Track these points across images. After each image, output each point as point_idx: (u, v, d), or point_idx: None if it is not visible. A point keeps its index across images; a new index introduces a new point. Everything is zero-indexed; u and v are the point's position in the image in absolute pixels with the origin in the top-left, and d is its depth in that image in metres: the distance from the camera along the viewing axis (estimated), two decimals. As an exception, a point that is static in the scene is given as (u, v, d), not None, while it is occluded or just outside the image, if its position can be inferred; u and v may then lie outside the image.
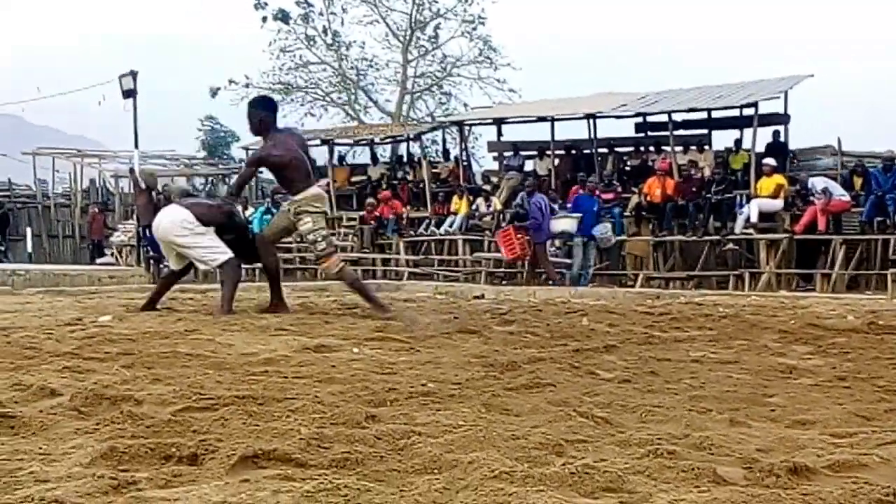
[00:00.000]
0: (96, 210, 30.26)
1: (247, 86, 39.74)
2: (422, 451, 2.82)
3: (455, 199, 23.58)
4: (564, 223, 19.23)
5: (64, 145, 38.25)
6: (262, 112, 8.63)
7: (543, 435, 3.09)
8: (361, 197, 26.09)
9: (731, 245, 18.93)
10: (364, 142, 29.79)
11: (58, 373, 4.40)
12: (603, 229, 18.65)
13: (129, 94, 20.56)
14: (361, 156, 31.13)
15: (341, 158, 29.86)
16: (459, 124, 27.21)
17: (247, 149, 31.92)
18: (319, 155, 29.37)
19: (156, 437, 2.98)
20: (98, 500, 2.23)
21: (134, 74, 20.89)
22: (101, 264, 24.70)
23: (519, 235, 18.93)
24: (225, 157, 45.00)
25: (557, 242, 20.67)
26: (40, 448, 2.86)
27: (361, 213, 24.59)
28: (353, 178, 28.22)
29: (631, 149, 24.26)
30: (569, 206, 20.11)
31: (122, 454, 2.72)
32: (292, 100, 40.29)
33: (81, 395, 3.68)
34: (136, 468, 2.61)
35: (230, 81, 40.17)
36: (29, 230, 26.76)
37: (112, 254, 27.04)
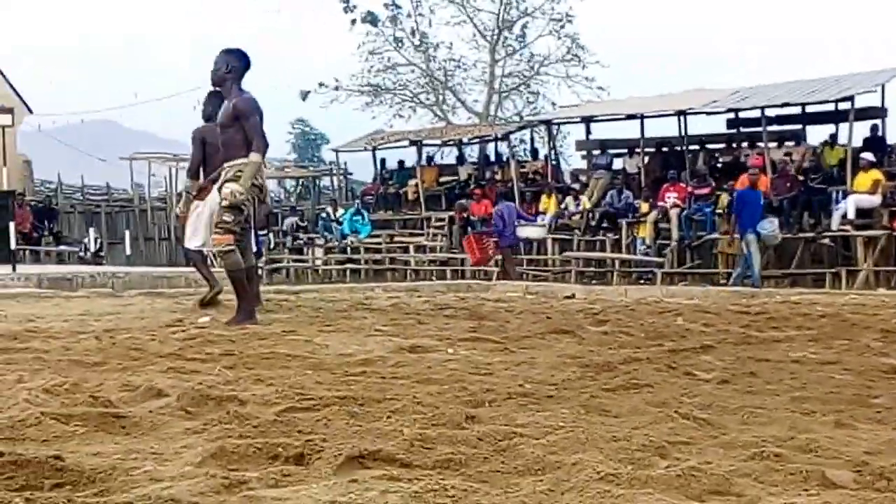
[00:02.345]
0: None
1: (336, 88, 40.16)
2: (524, 453, 2.83)
3: (543, 198, 23.51)
4: (530, 231, 21.90)
5: (159, 149, 39.10)
6: (237, 62, 7.77)
7: (645, 436, 3.08)
8: (450, 197, 26.17)
9: (826, 241, 18.53)
10: (452, 142, 29.88)
11: (163, 373, 4.51)
12: (769, 226, 17.67)
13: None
14: (449, 156, 31.25)
15: (430, 159, 29.99)
16: (547, 123, 27.13)
17: (337, 150, 32.35)
18: (408, 155, 29.61)
19: (262, 437, 3.04)
20: (212, 500, 2.28)
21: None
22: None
23: (484, 241, 21.02)
24: (315, 159, 45.58)
25: (648, 241, 20.58)
26: (152, 448, 2.94)
27: (450, 213, 24.67)
28: (442, 179, 28.32)
29: (723, 145, 23.92)
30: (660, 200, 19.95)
31: (232, 454, 2.78)
32: (381, 101, 40.60)
33: (188, 396, 3.77)
34: (245, 468, 2.66)
35: (320, 84, 40.65)
36: (127, 233, 27.40)
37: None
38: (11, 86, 30.92)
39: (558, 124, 28.18)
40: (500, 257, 21.19)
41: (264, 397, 3.87)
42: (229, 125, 7.70)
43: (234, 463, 2.71)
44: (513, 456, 2.83)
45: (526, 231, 21.62)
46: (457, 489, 2.37)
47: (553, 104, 37.97)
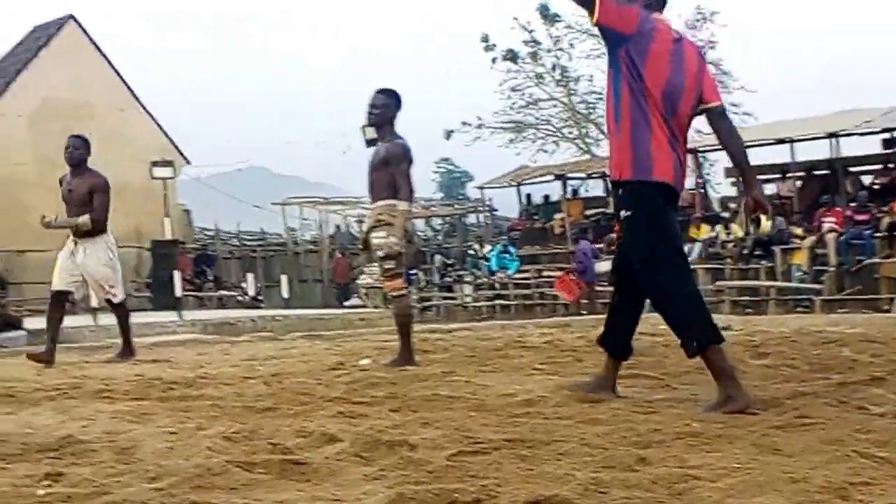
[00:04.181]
0: (340, 255, 31.60)
1: (479, 126, 40.53)
2: (702, 496, 2.81)
3: (692, 227, 23.19)
4: (607, 265, 21.99)
5: (308, 193, 40.08)
6: (392, 103, 7.88)
7: (824, 478, 3.01)
8: (597, 230, 26.06)
9: None
10: (597, 175, 29.78)
11: (333, 418, 4.63)
12: None
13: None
14: (595, 189, 31.15)
15: (574, 192, 29.96)
16: (693, 151, 26.75)
17: (482, 187, 32.59)
18: (553, 190, 29.64)
19: (437, 482, 3.10)
20: (398, 547, 2.34)
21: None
22: (349, 307, 25.71)
23: (572, 278, 22.29)
24: (461, 196, 46.00)
25: (804, 267, 20.08)
26: (333, 494, 3.02)
27: (600, 246, 24.56)
28: (588, 211, 28.25)
29: (878, 167, 23.16)
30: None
31: (410, 500, 2.85)
32: (524, 137, 40.75)
33: (360, 441, 3.86)
34: (425, 514, 2.72)
35: (463, 123, 41.08)
36: (283, 277, 28.19)
37: (359, 296, 28.08)
38: (170, 139, 32.25)
39: (705, 152, 27.75)
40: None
41: (433, 441, 3.92)
42: (379, 168, 7.85)
43: (414, 509, 2.77)
44: (690, 499, 2.81)
45: (604, 266, 22.66)
46: (638, 535, 2.37)
47: (698, 132, 37.36)
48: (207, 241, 34.38)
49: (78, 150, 9.24)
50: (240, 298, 29.43)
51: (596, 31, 5.14)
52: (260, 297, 29.47)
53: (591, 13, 4.83)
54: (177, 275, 18.80)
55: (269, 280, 31.81)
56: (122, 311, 9.50)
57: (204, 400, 5.58)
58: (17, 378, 7.48)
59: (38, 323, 14.64)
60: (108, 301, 9.45)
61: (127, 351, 9.28)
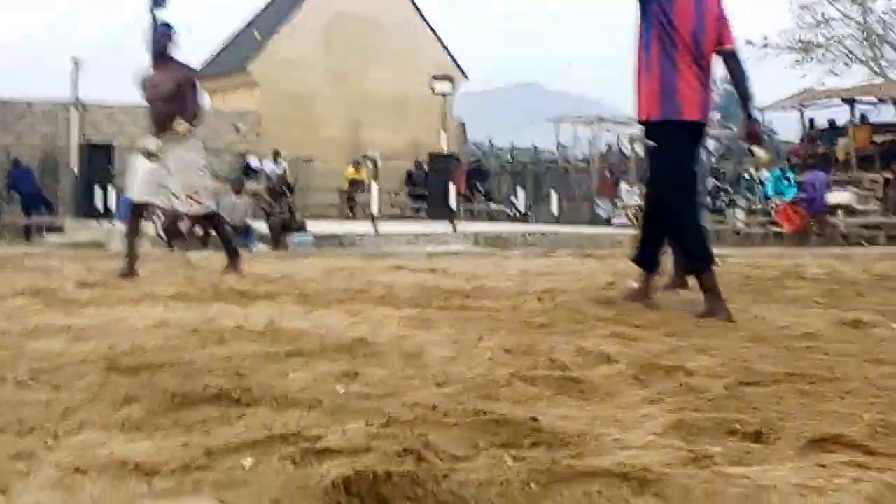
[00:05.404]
0: (609, 173, 31.42)
1: (765, 46, 38.78)
2: None
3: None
4: (840, 197, 23.01)
5: (578, 109, 39.90)
6: None
7: None
8: (885, 157, 24.58)
9: None
10: (890, 99, 27.99)
11: (608, 338, 4.67)
12: None
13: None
14: (886, 114, 29.27)
15: (863, 117, 28.29)
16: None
17: (762, 109, 31.29)
18: (840, 114, 28.12)
19: (717, 411, 3.09)
20: (681, 471, 2.35)
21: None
22: (616, 225, 25.61)
23: (795, 209, 22.37)
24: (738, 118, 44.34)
25: None
26: (613, 415, 3.08)
27: (886, 174, 23.20)
28: (876, 138, 26.66)
29: None
30: None
31: (690, 426, 2.86)
32: (812, 58, 38.68)
33: (637, 364, 3.91)
34: (705, 441, 2.72)
35: (747, 42, 39.43)
36: (554, 193, 28.37)
37: (626, 215, 27.87)
38: (451, 55, 32.94)
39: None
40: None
41: (710, 369, 3.91)
42: None
43: (694, 436, 2.78)
44: None
45: (836, 197, 22.62)
46: (932, 484, 2.29)
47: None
48: (481, 155, 35.04)
49: (161, 41, 8.26)
50: (510, 213, 29.91)
51: None
52: (529, 213, 29.82)
53: None
54: (452, 188, 19.29)
55: (539, 196, 32.10)
56: (214, 222, 8.92)
57: (482, 311, 5.77)
58: (308, 279, 8.01)
59: (321, 227, 15.53)
60: (195, 217, 8.56)
61: (235, 262, 8.58)
